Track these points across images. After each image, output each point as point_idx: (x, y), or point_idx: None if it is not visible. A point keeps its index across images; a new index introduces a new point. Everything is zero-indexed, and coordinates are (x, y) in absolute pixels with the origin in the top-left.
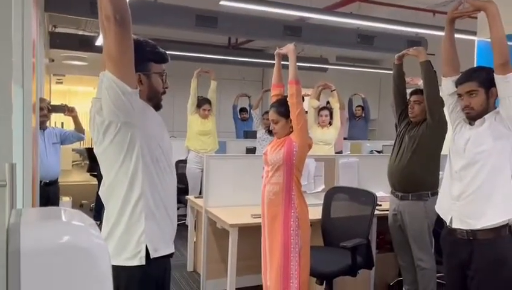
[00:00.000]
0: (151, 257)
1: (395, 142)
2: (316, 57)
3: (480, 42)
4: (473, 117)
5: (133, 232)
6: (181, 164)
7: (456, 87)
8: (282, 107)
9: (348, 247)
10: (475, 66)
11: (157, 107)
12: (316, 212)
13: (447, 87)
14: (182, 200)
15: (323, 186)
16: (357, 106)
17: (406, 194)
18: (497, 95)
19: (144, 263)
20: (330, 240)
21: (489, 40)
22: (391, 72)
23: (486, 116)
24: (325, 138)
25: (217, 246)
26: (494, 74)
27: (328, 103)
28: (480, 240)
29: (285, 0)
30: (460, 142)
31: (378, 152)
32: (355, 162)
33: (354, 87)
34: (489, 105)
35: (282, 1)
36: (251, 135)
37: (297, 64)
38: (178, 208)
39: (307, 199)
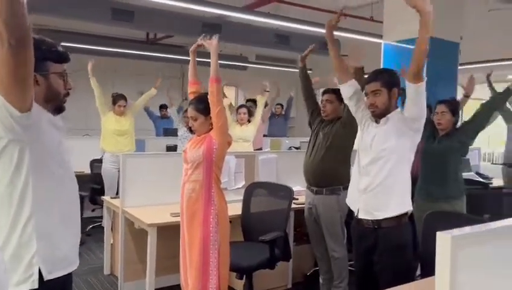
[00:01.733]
0: (45, 279)
1: (310, 139)
2: (236, 55)
3: (386, 45)
4: (377, 115)
5: (23, 254)
6: (96, 164)
7: (365, 86)
8: (201, 104)
9: (266, 241)
10: (381, 67)
11: (58, 110)
12: (236, 208)
13: (344, 92)
14: (97, 201)
15: (243, 183)
16: (276, 104)
17: (320, 188)
18: (398, 96)
19: (36, 286)
20: (250, 235)
21: (394, 43)
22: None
23: (389, 116)
24: (244, 135)
25: (135, 247)
26: (407, 81)
27: (248, 101)
28: (384, 228)
29: None
30: (367, 139)
31: (296, 148)
32: (274, 158)
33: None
34: (391, 104)
35: None
36: (171, 132)
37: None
38: (93, 210)
39: (228, 196)
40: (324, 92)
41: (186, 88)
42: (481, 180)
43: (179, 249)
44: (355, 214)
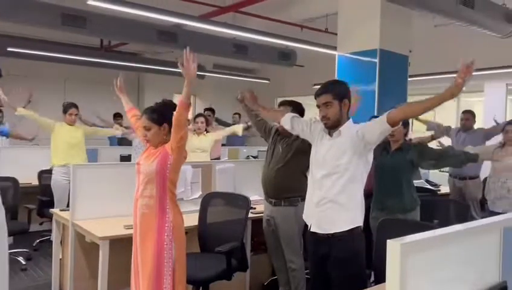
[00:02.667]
0: None
1: (267, 151)
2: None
3: (340, 57)
4: (330, 126)
5: None
6: (45, 175)
7: (315, 98)
8: (155, 113)
9: (222, 251)
10: (333, 78)
11: None
12: (193, 219)
13: (286, 127)
14: (46, 214)
15: (200, 193)
16: (234, 114)
17: (278, 200)
18: (349, 106)
19: None
20: (207, 246)
21: (348, 55)
22: (265, 80)
23: (341, 129)
24: (202, 145)
25: (85, 261)
26: (386, 119)
27: (206, 110)
28: (337, 237)
29: (160, 5)
30: (321, 152)
31: (254, 157)
32: (232, 167)
33: (230, 95)
34: (343, 115)
35: (157, 6)
36: (125, 142)
37: (174, 70)
38: (42, 223)
39: (184, 206)
40: (280, 104)
41: (141, 97)
42: (430, 187)
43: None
44: (309, 228)
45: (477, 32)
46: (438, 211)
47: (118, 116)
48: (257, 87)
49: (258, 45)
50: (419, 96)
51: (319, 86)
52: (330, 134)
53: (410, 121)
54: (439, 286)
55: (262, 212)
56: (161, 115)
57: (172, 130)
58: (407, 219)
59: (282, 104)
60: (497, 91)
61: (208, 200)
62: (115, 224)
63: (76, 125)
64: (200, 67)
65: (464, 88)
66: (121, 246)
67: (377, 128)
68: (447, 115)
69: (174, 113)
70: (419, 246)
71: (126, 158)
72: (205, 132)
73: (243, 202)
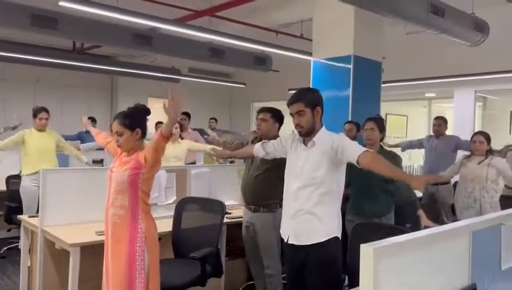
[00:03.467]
0: None
1: (247, 160)
2: (168, 68)
3: (315, 62)
4: (304, 134)
5: None
6: (13, 180)
7: (288, 107)
8: (128, 118)
9: (197, 257)
10: (308, 84)
11: None
12: (167, 225)
13: (258, 154)
14: (14, 221)
15: (174, 198)
16: (210, 119)
17: (257, 207)
18: (322, 114)
19: None
20: (181, 252)
21: (323, 60)
22: (241, 85)
23: (316, 140)
24: (176, 153)
25: (55, 269)
26: (361, 159)
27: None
28: (314, 245)
29: (135, 8)
30: (297, 163)
31: (230, 162)
32: (207, 172)
33: (206, 99)
34: (316, 122)
35: (132, 9)
36: (98, 145)
37: (148, 73)
38: (9, 230)
39: (158, 211)
40: (259, 111)
41: (115, 100)
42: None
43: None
44: (286, 240)
45: (448, 40)
46: (410, 216)
47: (91, 120)
48: (234, 91)
49: (234, 49)
50: (392, 102)
51: (294, 91)
52: (305, 143)
53: (385, 125)
54: (413, 288)
55: (238, 217)
56: (134, 120)
57: (150, 148)
58: (381, 223)
59: (261, 111)
60: (466, 98)
61: (183, 205)
62: (86, 230)
63: (49, 131)
64: (176, 71)
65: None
66: (93, 253)
67: (350, 157)
68: (419, 121)
69: (153, 140)
70: (392, 250)
71: (98, 162)
72: (180, 138)
73: (218, 207)
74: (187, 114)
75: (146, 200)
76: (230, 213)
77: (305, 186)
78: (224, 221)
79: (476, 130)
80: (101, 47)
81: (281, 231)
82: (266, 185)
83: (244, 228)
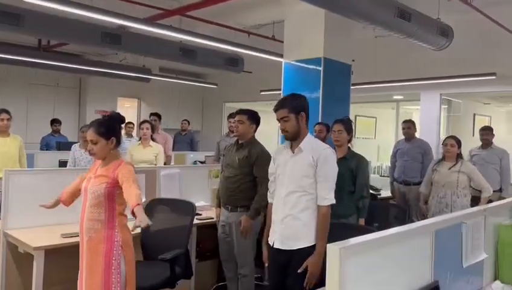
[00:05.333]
0: None
1: (224, 161)
2: (139, 67)
3: (286, 64)
4: (290, 138)
5: None
6: None
7: (275, 112)
8: (103, 127)
9: (166, 259)
10: (279, 85)
11: None
12: None
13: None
14: None
15: (144, 199)
16: (183, 121)
17: (234, 207)
18: (307, 118)
19: None
20: (150, 253)
21: (294, 62)
22: (213, 85)
23: (302, 146)
24: (147, 158)
25: (18, 273)
26: (318, 201)
27: (152, 115)
28: (299, 250)
29: (104, 6)
30: (285, 171)
31: (202, 163)
32: (177, 173)
33: (178, 99)
34: (301, 127)
35: (101, 7)
36: (65, 146)
37: (117, 72)
38: None
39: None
40: (235, 113)
41: (83, 100)
42: (371, 191)
43: (70, 273)
44: (272, 245)
45: (414, 44)
46: (378, 215)
47: (55, 121)
48: (206, 91)
49: (206, 49)
50: (362, 104)
51: (266, 93)
52: (292, 150)
53: (353, 127)
54: (377, 288)
55: (208, 219)
56: (109, 128)
57: (124, 184)
58: (347, 223)
59: (237, 113)
60: (432, 100)
61: (152, 207)
62: (51, 233)
63: (13, 136)
64: (146, 70)
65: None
66: (58, 256)
67: (317, 191)
68: (387, 122)
69: (128, 198)
70: (358, 249)
71: (65, 164)
72: (151, 140)
73: (188, 208)
74: (157, 115)
75: (122, 211)
76: (200, 214)
77: (292, 192)
78: (194, 222)
79: (441, 132)
80: (68, 45)
81: (269, 237)
82: (244, 186)
83: (220, 227)
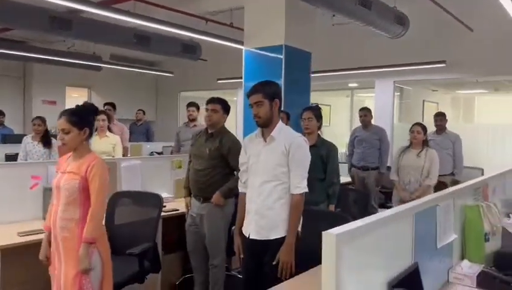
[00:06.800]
0: None
1: (193, 150)
2: (88, 54)
3: (246, 51)
4: (261, 124)
5: None
6: None
7: (248, 97)
8: (76, 116)
9: (135, 253)
10: (239, 73)
11: None
12: None
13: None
14: None
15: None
16: (138, 110)
17: (206, 198)
18: (280, 106)
19: None
20: (116, 248)
21: (255, 50)
22: (169, 74)
23: (273, 134)
24: (106, 149)
25: None
26: (291, 189)
27: (106, 105)
28: (274, 240)
29: None
30: (258, 161)
31: (159, 153)
32: (138, 164)
33: (131, 88)
34: (274, 114)
35: None
36: (12, 139)
37: (65, 60)
38: None
39: None
40: (208, 102)
41: (28, 89)
42: None
43: (31, 273)
44: (247, 236)
45: (370, 33)
46: (338, 200)
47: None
48: (160, 80)
49: (161, 36)
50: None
51: (223, 81)
52: (264, 139)
53: (322, 114)
54: (367, 272)
55: (172, 211)
56: (82, 118)
57: (92, 196)
58: (319, 210)
59: (211, 101)
60: (386, 88)
61: (115, 200)
62: (6, 231)
63: None
64: (96, 58)
65: None
66: (15, 256)
67: (290, 179)
68: (341, 110)
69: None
70: (351, 235)
71: (12, 157)
72: (107, 131)
73: (155, 201)
74: (112, 104)
75: None
76: (165, 206)
77: (267, 181)
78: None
79: (393, 118)
80: (12, 30)
81: (243, 228)
82: (214, 179)
83: (189, 218)
